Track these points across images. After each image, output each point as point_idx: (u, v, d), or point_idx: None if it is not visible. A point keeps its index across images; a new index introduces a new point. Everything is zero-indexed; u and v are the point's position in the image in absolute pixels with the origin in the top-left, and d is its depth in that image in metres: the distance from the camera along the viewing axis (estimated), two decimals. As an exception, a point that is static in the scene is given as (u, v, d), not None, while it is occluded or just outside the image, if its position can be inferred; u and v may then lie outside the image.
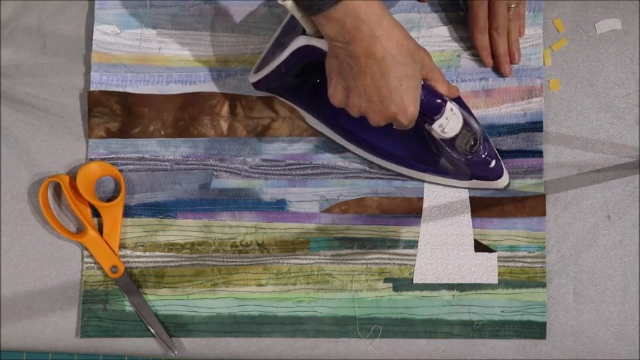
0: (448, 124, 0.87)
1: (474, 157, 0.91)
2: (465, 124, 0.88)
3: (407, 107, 0.81)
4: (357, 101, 0.82)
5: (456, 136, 0.88)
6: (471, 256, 0.97)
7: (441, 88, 0.86)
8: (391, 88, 0.79)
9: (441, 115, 0.86)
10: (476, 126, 0.90)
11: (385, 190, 0.98)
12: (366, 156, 0.97)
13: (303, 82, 0.95)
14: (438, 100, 0.85)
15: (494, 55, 1.00)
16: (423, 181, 0.98)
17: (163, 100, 1.00)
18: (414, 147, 0.94)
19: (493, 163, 0.93)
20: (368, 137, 0.86)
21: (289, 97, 0.96)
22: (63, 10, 1.02)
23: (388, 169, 0.98)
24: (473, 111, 0.99)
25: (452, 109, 0.87)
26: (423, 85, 0.84)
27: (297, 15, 0.80)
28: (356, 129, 0.88)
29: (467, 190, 0.98)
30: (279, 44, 0.91)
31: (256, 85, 0.94)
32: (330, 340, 0.97)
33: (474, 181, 0.95)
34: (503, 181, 0.94)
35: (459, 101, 0.91)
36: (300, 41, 0.85)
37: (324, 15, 0.76)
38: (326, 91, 0.84)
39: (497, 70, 1.00)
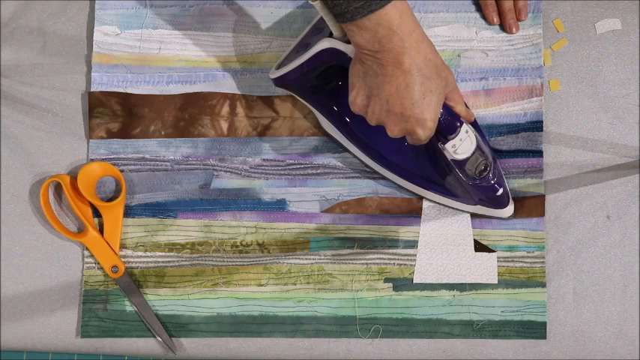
0: (461, 145, 0.86)
1: (482, 182, 0.91)
2: (478, 148, 0.88)
3: (426, 121, 0.80)
4: (378, 110, 0.81)
5: (467, 159, 0.88)
6: (470, 256, 0.97)
7: (460, 110, 0.85)
8: (414, 100, 0.78)
9: (456, 136, 0.85)
10: (488, 152, 0.90)
11: (385, 190, 0.98)
12: (374, 165, 0.97)
13: (323, 84, 0.94)
14: (455, 121, 0.85)
15: (499, 12, 0.99)
16: (427, 199, 0.97)
17: (164, 100, 1.00)
18: (424, 164, 0.93)
19: (500, 191, 0.92)
20: (379, 148, 0.84)
21: (306, 98, 0.96)
22: (63, 10, 1.01)
23: (393, 182, 0.97)
24: (473, 111, 0.99)
25: (467, 131, 0.86)
26: (442, 104, 0.83)
27: (326, 17, 0.80)
28: (368, 138, 0.87)
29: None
30: (305, 44, 0.90)
31: (276, 81, 0.93)
32: (330, 340, 0.97)
33: (478, 206, 0.94)
34: (508, 210, 0.94)
35: (474, 125, 0.91)
36: (325, 43, 0.84)
37: (356, 23, 0.76)
38: (344, 95, 0.83)
39: (503, 28, 0.99)
